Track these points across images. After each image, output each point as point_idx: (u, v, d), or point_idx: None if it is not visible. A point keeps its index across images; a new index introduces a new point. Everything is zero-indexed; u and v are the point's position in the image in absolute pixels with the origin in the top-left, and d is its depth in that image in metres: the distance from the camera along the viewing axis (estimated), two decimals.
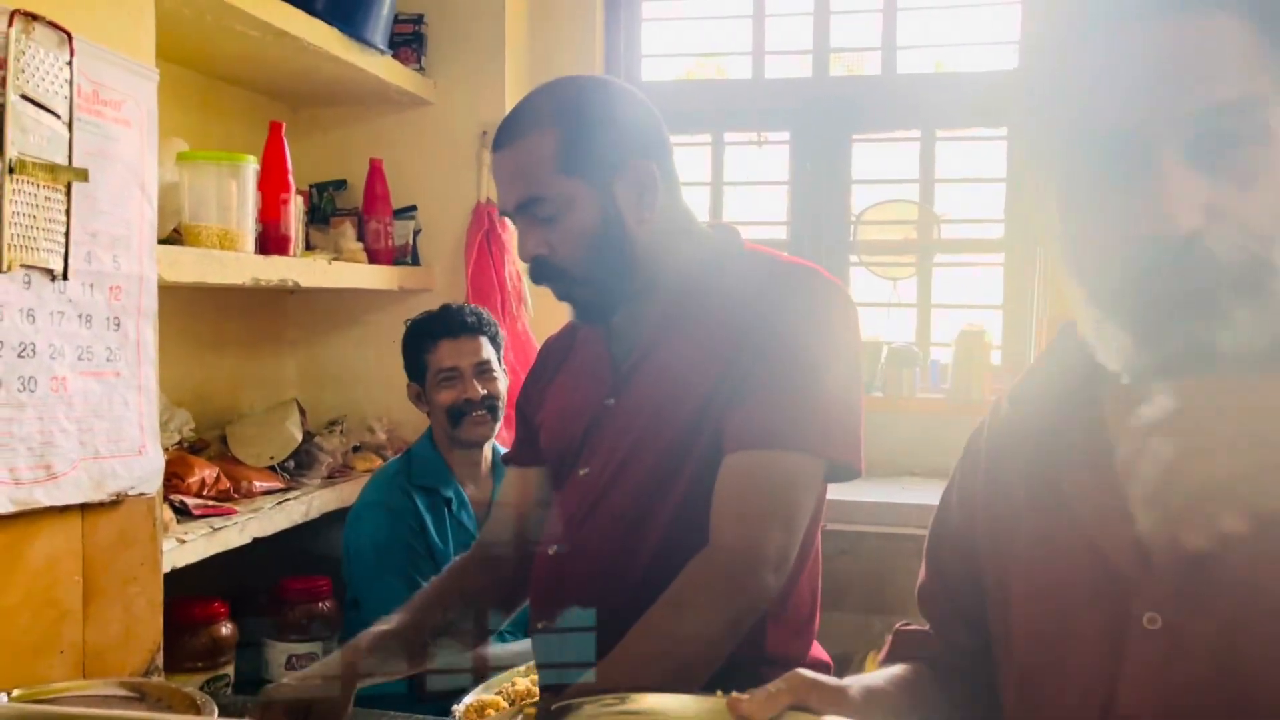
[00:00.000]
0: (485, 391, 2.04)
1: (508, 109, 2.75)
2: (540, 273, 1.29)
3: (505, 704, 1.72)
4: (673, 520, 1.23)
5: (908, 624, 1.05)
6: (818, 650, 1.34)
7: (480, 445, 2.11)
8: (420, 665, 1.37)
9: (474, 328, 2.09)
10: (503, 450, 2.18)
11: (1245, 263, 0.71)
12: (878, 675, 0.95)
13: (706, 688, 1.08)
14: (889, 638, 1.06)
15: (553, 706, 0.75)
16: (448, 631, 1.37)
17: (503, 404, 2.09)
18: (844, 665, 1.51)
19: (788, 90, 2.82)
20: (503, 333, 2.21)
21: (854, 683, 0.86)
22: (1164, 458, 0.79)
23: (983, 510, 0.93)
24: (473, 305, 2.19)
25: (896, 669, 0.97)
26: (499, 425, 2.10)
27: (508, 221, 2.55)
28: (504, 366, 2.16)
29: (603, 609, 1.23)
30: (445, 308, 2.13)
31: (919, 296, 2.79)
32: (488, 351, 2.09)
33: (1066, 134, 0.77)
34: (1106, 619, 0.80)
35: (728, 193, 2.90)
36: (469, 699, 1.70)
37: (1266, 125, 0.72)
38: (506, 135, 1.26)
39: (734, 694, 0.78)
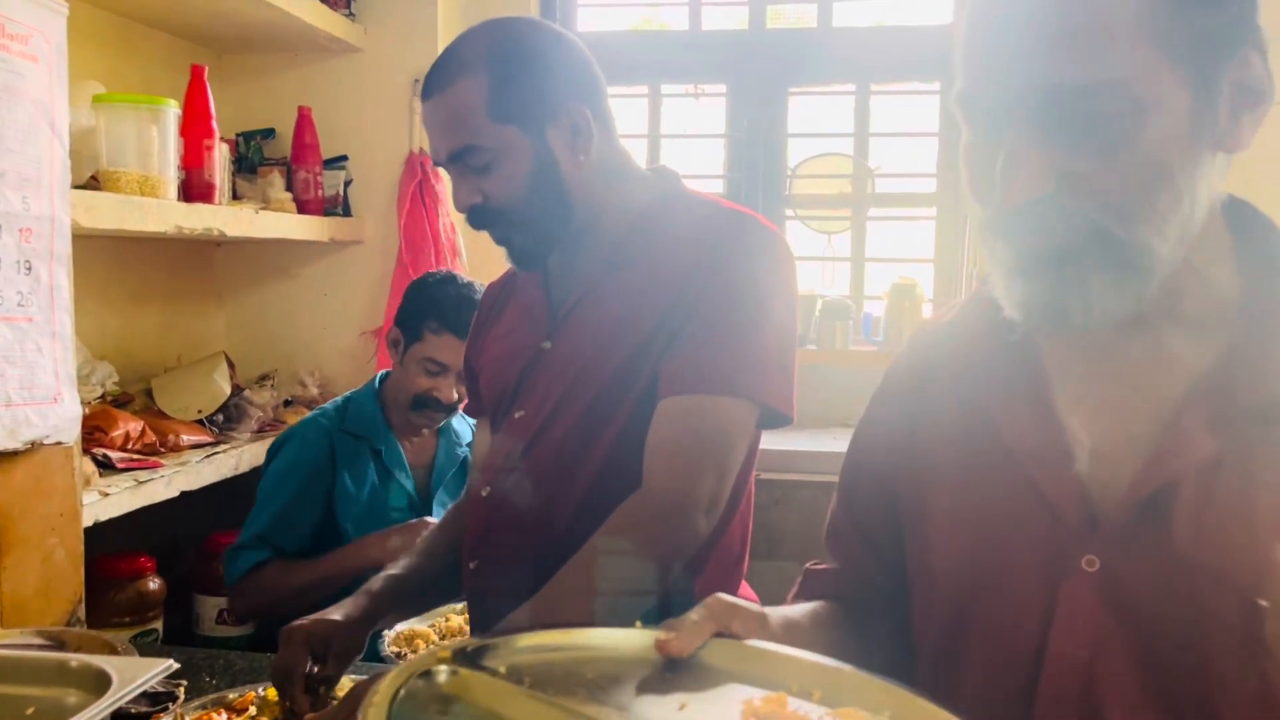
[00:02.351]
0: (457, 396, 1.99)
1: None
2: (477, 219, 1.28)
3: (436, 637, 1.73)
4: (605, 463, 1.23)
5: (818, 563, 1.05)
6: (746, 590, 1.36)
7: (422, 431, 2.07)
8: (420, 610, 1.42)
9: None
10: None
11: (1086, 231, 0.72)
12: (794, 609, 0.95)
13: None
14: (799, 577, 1.06)
15: (470, 647, 0.74)
16: (448, 579, 1.39)
17: (463, 403, 2.05)
18: None
19: (724, 42, 2.81)
20: None
21: (773, 612, 0.86)
22: (1102, 400, 0.81)
23: (907, 440, 0.93)
24: None
25: (811, 605, 0.97)
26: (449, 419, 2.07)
27: (441, 172, 2.52)
28: None
29: (533, 550, 1.24)
30: (470, 299, 1.94)
31: (853, 250, 2.82)
32: None
33: (959, 91, 0.78)
34: (1043, 559, 0.80)
35: (665, 145, 2.89)
36: (400, 626, 1.71)
37: (1133, 100, 0.70)
38: (435, 83, 1.24)
39: (659, 634, 0.76)
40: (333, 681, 1.23)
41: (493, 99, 1.21)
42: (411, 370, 1.96)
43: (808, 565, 1.06)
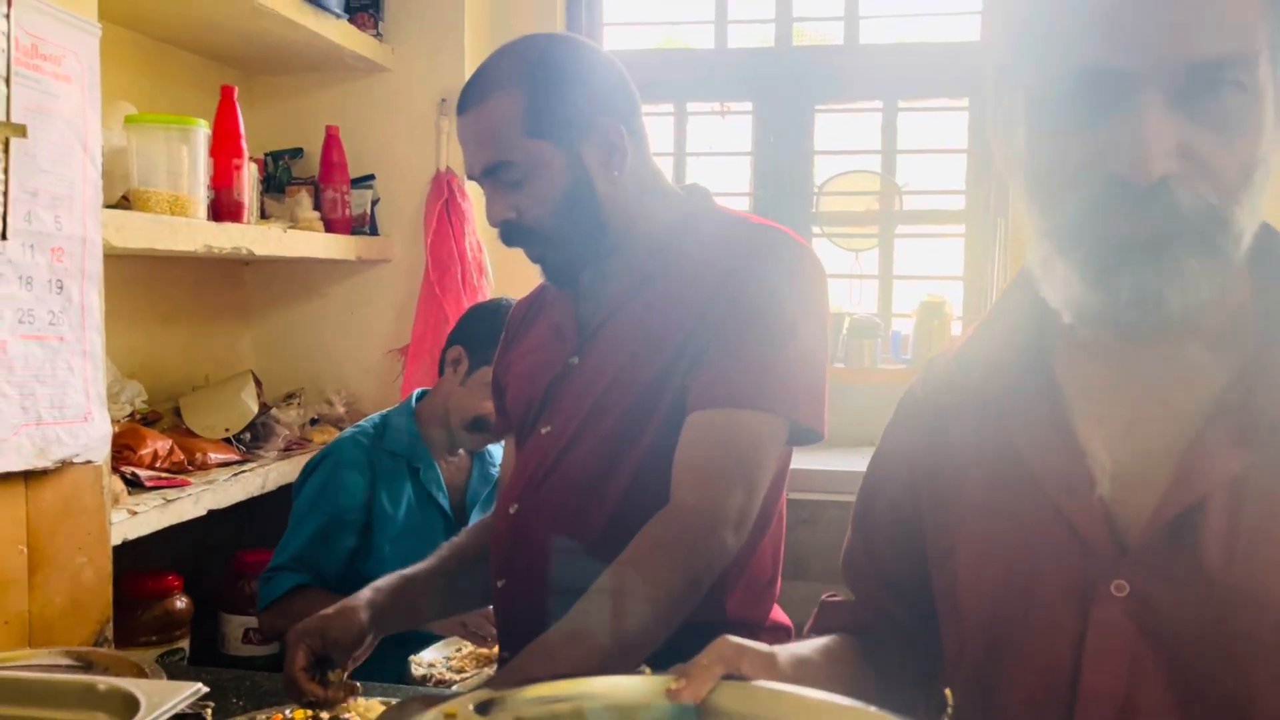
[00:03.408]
0: None
1: (467, 76, 2.69)
2: (510, 236, 1.27)
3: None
4: (634, 480, 1.22)
5: (834, 595, 1.03)
6: (778, 614, 1.34)
7: (459, 451, 2.06)
8: (435, 615, 1.39)
9: None
10: None
11: (1203, 212, 0.70)
12: (805, 645, 0.93)
13: (666, 649, 1.08)
14: (815, 610, 1.04)
15: (475, 702, 0.73)
16: (466, 584, 1.37)
17: None
18: (800, 635, 1.51)
19: (750, 60, 2.80)
20: None
21: (782, 650, 0.84)
22: (1122, 421, 0.79)
23: (926, 472, 0.91)
24: None
25: (824, 639, 0.95)
26: None
27: (468, 191, 2.52)
28: None
29: (561, 567, 1.22)
30: None
31: (881, 268, 2.80)
32: None
33: (1050, 63, 0.75)
34: (1071, 586, 0.78)
35: (691, 163, 2.88)
36: (426, 654, 1.71)
37: (1255, 79, 0.71)
38: (470, 98, 1.24)
39: (669, 682, 0.76)
40: (332, 665, 1.21)
41: (528, 114, 1.21)
42: (476, 393, 1.94)
43: (823, 597, 1.04)
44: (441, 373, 2.04)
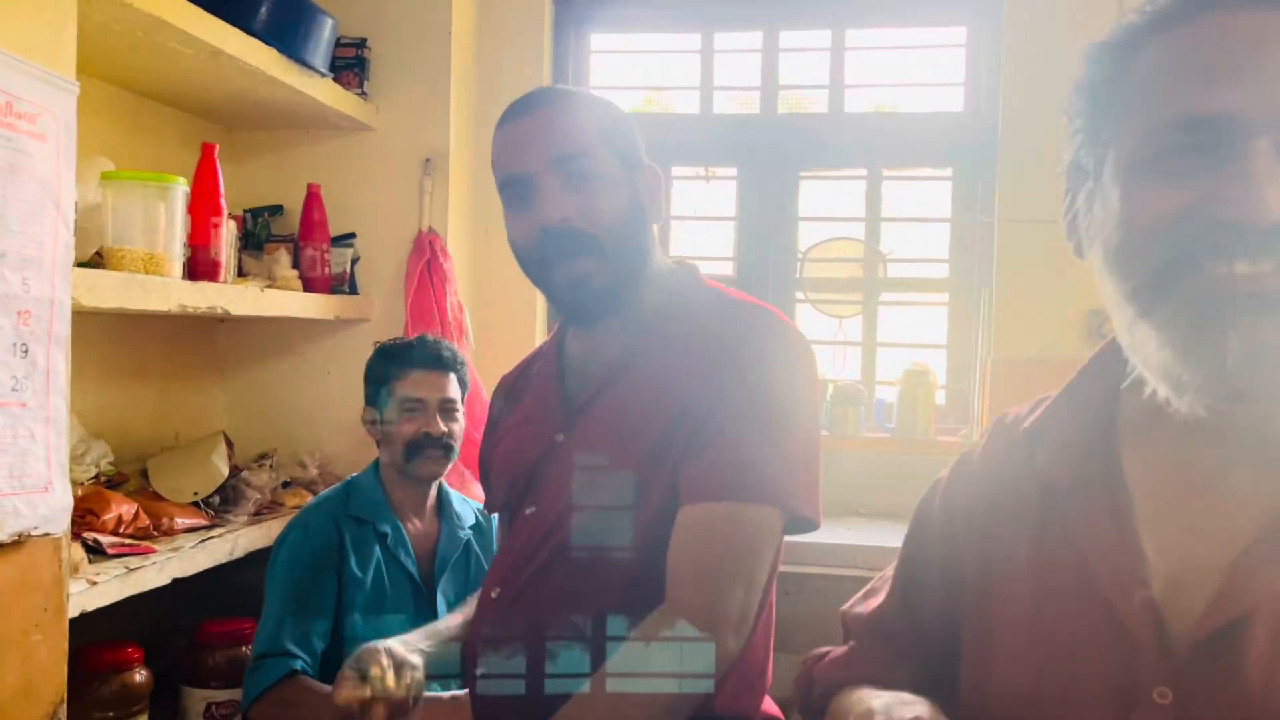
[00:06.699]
0: (445, 429, 1.98)
1: (452, 137, 2.67)
2: (562, 239, 1.20)
3: None
4: (622, 564, 1.17)
5: (822, 651, 1.01)
6: (769, 705, 1.29)
7: (429, 482, 2.02)
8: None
9: (447, 363, 2.03)
10: (450, 489, 2.10)
11: None
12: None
13: None
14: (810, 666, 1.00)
15: None
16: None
17: (458, 444, 2.02)
18: (787, 709, 1.46)
19: (736, 126, 2.81)
20: (469, 376, 2.14)
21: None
22: (1181, 524, 0.76)
23: (976, 543, 0.88)
24: (447, 341, 2.11)
25: None
26: (450, 465, 2.03)
27: (450, 251, 2.49)
28: (463, 409, 2.09)
29: (544, 656, 1.17)
30: (421, 338, 2.06)
31: (864, 335, 2.78)
32: (454, 390, 2.04)
33: (1148, 116, 0.73)
34: (1113, 688, 0.75)
35: (675, 227, 2.87)
36: None
37: None
38: (545, 101, 1.24)
39: None
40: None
41: (602, 124, 1.23)
42: (394, 425, 1.99)
43: (816, 653, 1.01)
44: (375, 439, 2.05)
